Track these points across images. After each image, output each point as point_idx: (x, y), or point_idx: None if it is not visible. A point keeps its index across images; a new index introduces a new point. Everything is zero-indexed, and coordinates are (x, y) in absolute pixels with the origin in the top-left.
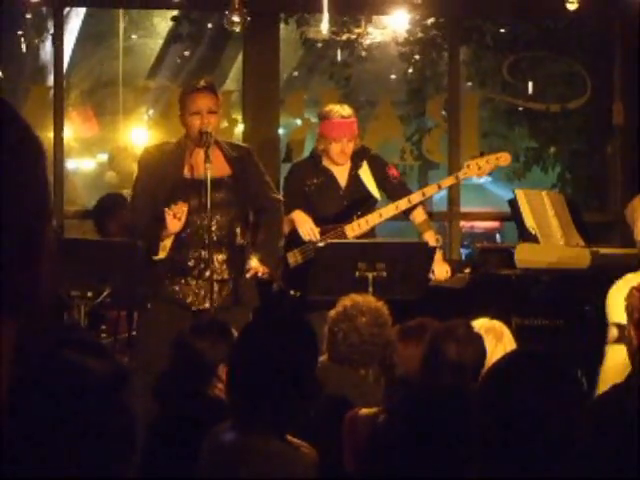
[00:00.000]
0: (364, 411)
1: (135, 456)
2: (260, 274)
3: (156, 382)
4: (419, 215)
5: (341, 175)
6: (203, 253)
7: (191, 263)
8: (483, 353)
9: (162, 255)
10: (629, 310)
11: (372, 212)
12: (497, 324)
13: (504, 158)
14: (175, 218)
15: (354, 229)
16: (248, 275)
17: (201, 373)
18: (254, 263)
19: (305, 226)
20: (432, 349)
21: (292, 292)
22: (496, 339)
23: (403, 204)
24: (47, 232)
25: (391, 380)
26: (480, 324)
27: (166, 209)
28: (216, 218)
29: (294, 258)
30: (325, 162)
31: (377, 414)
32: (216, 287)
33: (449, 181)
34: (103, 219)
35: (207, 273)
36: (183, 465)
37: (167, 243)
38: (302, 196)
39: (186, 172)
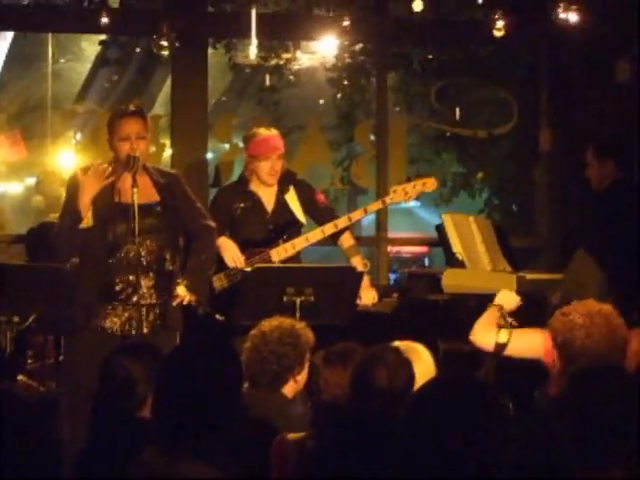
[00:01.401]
0: (292, 436)
1: None
2: (186, 302)
3: (86, 406)
4: (347, 240)
5: (267, 199)
6: (131, 278)
7: (118, 288)
8: (412, 378)
9: (86, 224)
10: (553, 334)
11: (298, 236)
12: (409, 346)
13: (430, 183)
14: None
15: (280, 253)
16: (174, 302)
17: (130, 395)
18: (180, 290)
19: (230, 252)
20: (361, 374)
21: (218, 316)
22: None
23: (329, 228)
24: None
25: (317, 404)
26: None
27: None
28: (145, 244)
29: (220, 282)
30: (252, 186)
31: (305, 439)
32: (143, 312)
33: (375, 206)
34: (35, 248)
35: (134, 298)
36: None
37: (89, 215)
38: (228, 220)
39: (114, 197)
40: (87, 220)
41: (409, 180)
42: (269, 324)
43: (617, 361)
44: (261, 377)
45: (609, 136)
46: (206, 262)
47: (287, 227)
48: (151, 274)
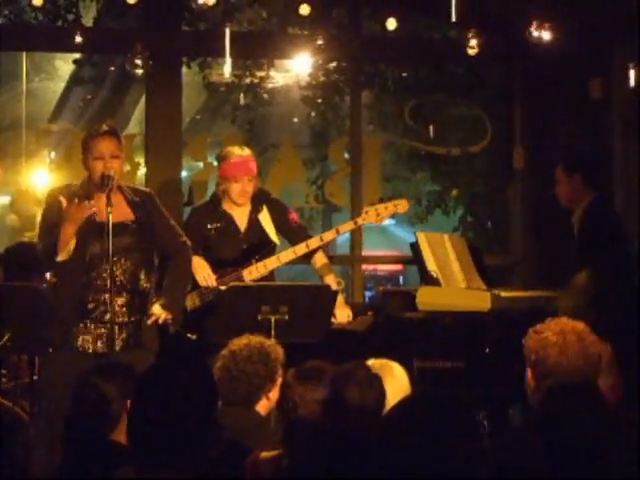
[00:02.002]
0: (265, 455)
1: None
2: (161, 320)
3: (60, 426)
4: (320, 259)
5: (241, 219)
6: (104, 297)
7: (91, 306)
8: (383, 395)
9: (64, 256)
10: (527, 352)
11: (271, 256)
12: (382, 364)
13: (402, 205)
14: (84, 210)
15: (252, 273)
16: (149, 321)
17: (103, 416)
18: (156, 309)
19: (202, 272)
20: (333, 392)
21: (189, 334)
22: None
23: (301, 249)
24: None
25: (289, 422)
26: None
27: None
28: (120, 263)
29: (192, 301)
30: (225, 205)
31: (279, 457)
32: (116, 331)
33: (347, 226)
34: (12, 267)
35: (107, 317)
36: None
37: (71, 245)
38: (201, 240)
39: (90, 217)
40: (68, 252)
41: (381, 201)
42: (238, 343)
43: (590, 377)
44: (233, 396)
45: (577, 151)
46: (182, 281)
47: (260, 247)
48: (125, 293)
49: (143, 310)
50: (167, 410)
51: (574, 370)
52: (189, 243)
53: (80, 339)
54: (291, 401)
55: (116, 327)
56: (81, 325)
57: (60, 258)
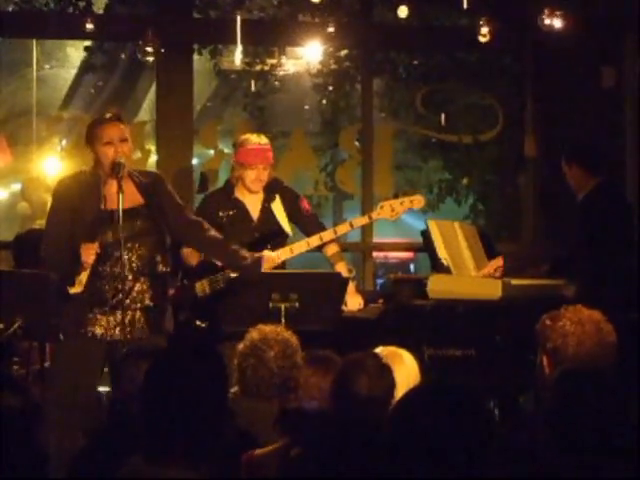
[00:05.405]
0: (259, 452)
1: None
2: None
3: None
4: (331, 247)
5: (253, 207)
6: (122, 285)
7: (109, 295)
8: (393, 385)
9: (78, 289)
10: (541, 339)
11: (283, 246)
12: (392, 351)
13: (418, 201)
14: (90, 252)
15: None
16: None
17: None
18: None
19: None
20: (342, 382)
21: (198, 322)
22: None
23: (314, 241)
24: None
25: (289, 412)
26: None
27: (82, 245)
28: (135, 248)
29: (202, 288)
30: (238, 193)
31: (282, 449)
32: (137, 316)
33: (362, 221)
34: (22, 254)
35: (126, 303)
36: None
37: (83, 277)
38: (214, 227)
39: (100, 204)
40: (80, 285)
41: (397, 197)
42: (261, 336)
43: (605, 365)
44: (255, 389)
45: (573, 141)
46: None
47: (272, 237)
48: (143, 278)
49: (163, 295)
50: (176, 397)
51: (591, 359)
52: (202, 220)
53: (97, 327)
54: (296, 381)
55: (137, 313)
56: (97, 313)
57: (72, 291)
